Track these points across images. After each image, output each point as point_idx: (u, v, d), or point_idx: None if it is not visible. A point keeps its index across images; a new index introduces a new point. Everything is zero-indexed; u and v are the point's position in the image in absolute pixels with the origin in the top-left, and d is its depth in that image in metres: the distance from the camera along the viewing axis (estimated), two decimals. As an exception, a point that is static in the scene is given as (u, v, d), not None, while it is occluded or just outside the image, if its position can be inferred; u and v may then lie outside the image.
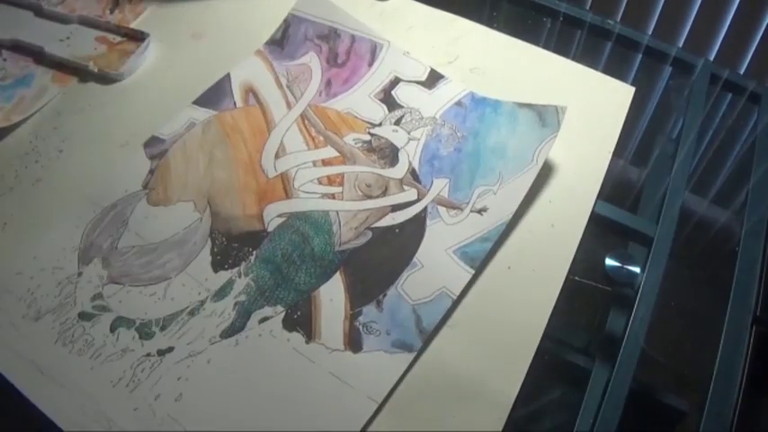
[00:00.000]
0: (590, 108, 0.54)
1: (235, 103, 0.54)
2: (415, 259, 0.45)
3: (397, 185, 0.49)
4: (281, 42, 0.58)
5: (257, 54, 0.58)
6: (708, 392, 0.43)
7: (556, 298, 0.44)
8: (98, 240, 0.46)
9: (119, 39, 0.57)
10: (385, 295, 0.44)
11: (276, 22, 0.59)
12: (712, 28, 1.05)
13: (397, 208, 0.48)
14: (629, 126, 0.55)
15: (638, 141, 0.64)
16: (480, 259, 0.45)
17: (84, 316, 0.43)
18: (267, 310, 0.43)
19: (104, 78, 0.55)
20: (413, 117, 0.53)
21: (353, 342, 0.42)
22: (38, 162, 0.51)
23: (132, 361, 0.41)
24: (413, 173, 0.50)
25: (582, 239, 0.47)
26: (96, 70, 0.54)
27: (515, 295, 0.44)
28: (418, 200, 0.48)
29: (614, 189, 0.53)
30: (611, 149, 0.52)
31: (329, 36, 0.58)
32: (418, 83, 0.55)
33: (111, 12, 0.61)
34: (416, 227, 0.47)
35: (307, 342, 0.42)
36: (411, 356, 0.41)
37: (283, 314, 0.43)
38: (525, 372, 0.41)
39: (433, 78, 0.55)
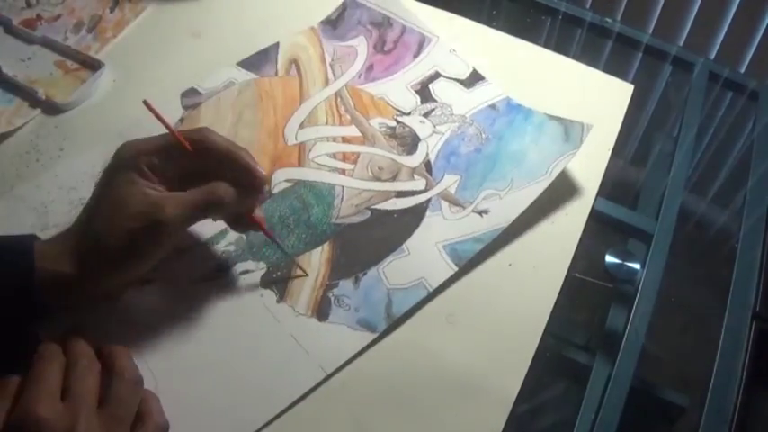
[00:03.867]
0: (589, 106, 0.55)
1: (276, 72, 0.57)
2: (403, 246, 0.47)
3: (408, 174, 0.51)
4: (335, 23, 0.61)
5: (310, 30, 0.61)
6: (708, 388, 0.44)
7: (556, 295, 0.45)
8: None
9: (76, 65, 0.57)
10: (365, 274, 0.46)
11: (272, 21, 0.60)
12: (712, 27, 1.07)
13: (402, 195, 0.50)
14: (628, 124, 0.56)
15: (638, 139, 0.65)
16: (468, 259, 0.46)
17: None
18: (250, 264, 0.46)
19: (51, 108, 0.53)
20: (443, 112, 0.55)
21: (321, 311, 0.44)
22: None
23: None
24: (427, 164, 0.52)
25: (582, 237, 0.48)
26: (44, 98, 0.53)
27: (516, 292, 0.45)
28: (425, 190, 0.50)
29: (614, 186, 0.54)
30: (611, 147, 0.53)
31: (381, 23, 0.61)
32: (458, 81, 0.57)
33: (112, 11, 0.61)
34: (415, 216, 0.49)
35: (277, 301, 0.44)
36: (372, 336, 0.43)
37: (264, 271, 0.46)
38: (527, 368, 0.42)
39: (474, 78, 0.57)
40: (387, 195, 0.50)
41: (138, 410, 0.37)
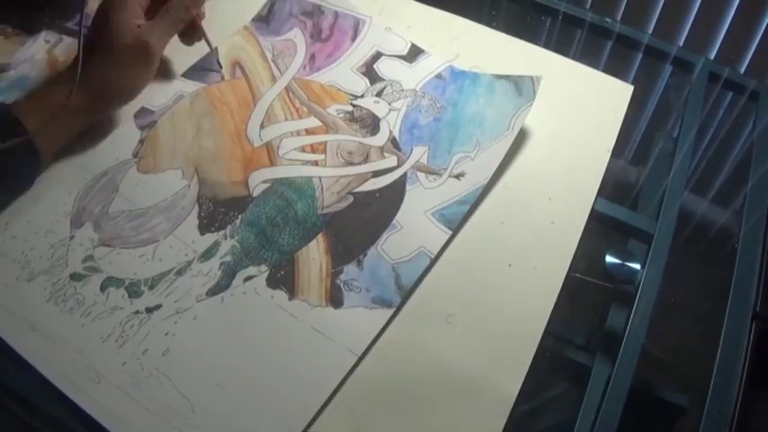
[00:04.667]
0: (589, 106, 0.56)
1: (222, 77, 0.57)
2: (394, 221, 0.48)
3: (378, 153, 0.52)
4: (267, 19, 0.61)
5: (244, 30, 0.60)
6: (708, 388, 0.44)
7: (557, 295, 0.45)
8: (90, 205, 0.49)
9: (15, 30, 0.60)
10: (365, 255, 0.47)
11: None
12: (712, 27, 1.06)
13: (377, 174, 0.51)
14: (629, 124, 0.56)
15: (638, 139, 0.65)
16: (458, 221, 0.48)
17: (75, 276, 0.46)
18: (252, 270, 0.46)
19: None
20: (393, 89, 0.56)
21: (334, 298, 0.45)
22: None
23: (121, 318, 0.44)
24: (393, 141, 0.53)
25: (582, 237, 0.48)
26: None
27: (516, 292, 0.45)
28: (398, 166, 0.51)
29: (614, 187, 0.54)
30: (611, 147, 0.53)
31: (313, 12, 0.61)
32: (399, 57, 0.58)
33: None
34: (396, 191, 0.50)
35: (289, 299, 0.45)
36: (390, 312, 0.44)
37: (267, 273, 0.46)
38: (527, 369, 0.42)
39: (414, 53, 0.58)
40: (364, 177, 0.51)
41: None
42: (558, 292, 0.45)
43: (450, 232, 0.47)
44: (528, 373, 0.42)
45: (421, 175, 0.51)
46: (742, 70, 1.06)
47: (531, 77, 0.53)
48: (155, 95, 0.55)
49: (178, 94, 0.55)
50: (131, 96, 0.52)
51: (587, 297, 0.52)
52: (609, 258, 0.51)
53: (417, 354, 0.43)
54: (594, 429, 0.42)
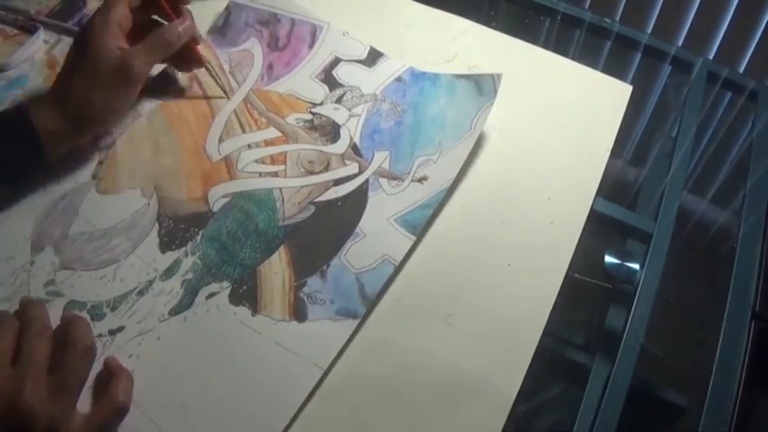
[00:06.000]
0: (588, 106, 0.56)
1: (180, 92, 0.57)
2: (357, 229, 0.48)
3: (339, 161, 0.53)
4: (223, 30, 0.61)
5: (201, 43, 0.60)
6: (708, 388, 0.44)
7: (556, 295, 0.46)
8: (50, 229, 0.49)
9: (15, 31, 0.61)
10: (329, 266, 0.47)
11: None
12: (711, 27, 1.07)
13: (339, 182, 0.51)
14: (627, 124, 0.56)
15: (637, 139, 0.65)
16: (421, 226, 0.48)
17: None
18: (214, 287, 0.46)
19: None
20: (353, 95, 0.56)
21: (298, 312, 0.45)
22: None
23: None
24: (354, 148, 0.53)
25: (581, 237, 0.48)
26: None
27: (515, 292, 0.46)
28: (360, 173, 0.52)
29: (613, 187, 0.54)
30: (610, 147, 0.54)
31: (269, 21, 0.61)
32: (358, 62, 0.58)
33: None
34: (358, 199, 0.50)
35: (252, 315, 0.45)
36: (355, 323, 0.44)
37: (229, 289, 0.46)
38: (526, 369, 0.43)
39: (373, 56, 0.59)
40: (325, 186, 0.51)
41: (104, 387, 0.39)
42: (557, 292, 0.46)
43: (414, 238, 0.47)
44: (527, 373, 0.43)
45: (383, 181, 0.51)
46: (741, 70, 1.07)
47: (492, 75, 0.53)
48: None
49: (135, 113, 0.55)
50: (113, 120, 0.52)
51: (586, 297, 0.52)
52: (608, 258, 0.51)
53: (417, 354, 0.44)
54: (594, 429, 0.42)
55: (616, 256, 0.51)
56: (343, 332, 0.44)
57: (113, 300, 0.45)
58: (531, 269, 0.47)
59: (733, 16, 1.05)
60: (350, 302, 0.45)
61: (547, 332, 0.44)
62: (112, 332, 0.44)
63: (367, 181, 0.51)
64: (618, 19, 1.06)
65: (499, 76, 0.53)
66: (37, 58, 0.60)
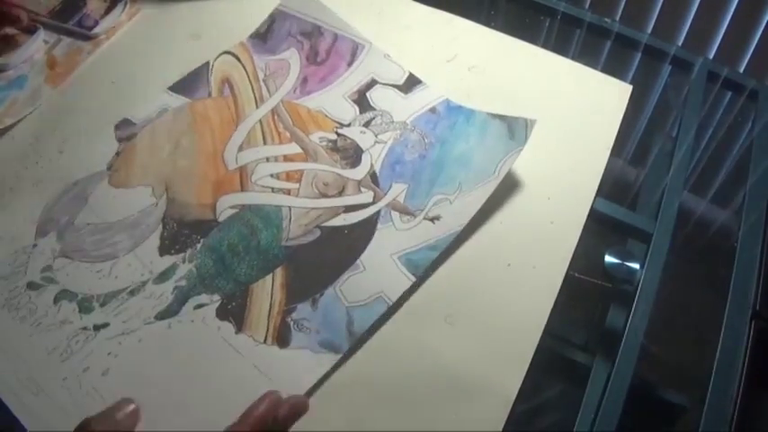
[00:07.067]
0: (588, 106, 0.56)
1: (210, 93, 0.57)
2: (358, 261, 0.47)
3: (355, 187, 0.51)
4: (265, 36, 0.60)
5: (240, 46, 0.60)
6: (708, 388, 0.44)
7: (556, 295, 0.46)
8: (57, 215, 0.50)
9: (15, 31, 0.61)
10: (322, 294, 0.46)
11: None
12: (711, 27, 1.07)
13: (350, 209, 0.50)
14: (628, 124, 0.56)
15: (637, 139, 0.65)
16: (424, 267, 0.46)
17: (31, 285, 0.46)
18: (204, 298, 0.46)
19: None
20: (383, 120, 0.55)
21: (281, 337, 0.44)
22: (38, 163, 0.52)
23: (69, 332, 0.44)
24: (373, 176, 0.52)
25: (581, 236, 0.48)
26: None
27: (515, 292, 0.46)
28: (373, 203, 0.50)
29: (613, 186, 0.54)
30: (610, 147, 0.54)
31: (312, 33, 0.60)
32: (395, 86, 0.57)
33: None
34: (366, 229, 0.49)
35: (236, 332, 0.44)
36: (336, 358, 0.43)
37: (219, 303, 0.45)
38: (526, 369, 0.43)
39: (411, 83, 0.57)
40: (335, 212, 0.49)
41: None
42: (557, 291, 0.46)
43: (414, 279, 0.45)
44: (527, 373, 0.43)
45: (395, 215, 0.49)
46: (741, 70, 1.07)
47: (525, 121, 0.51)
48: (139, 107, 0.55)
49: (162, 108, 0.55)
50: None
51: (586, 297, 0.52)
52: (608, 258, 0.51)
53: (416, 353, 0.44)
54: (594, 429, 0.43)
55: (616, 256, 0.51)
56: (323, 366, 0.42)
57: (104, 295, 0.45)
58: (532, 269, 0.47)
59: (733, 16, 1.05)
60: (335, 336, 0.43)
61: (547, 332, 0.44)
62: (97, 327, 0.44)
63: (379, 212, 0.49)
64: (618, 19, 1.06)
65: (533, 122, 0.51)
66: (37, 59, 0.60)
